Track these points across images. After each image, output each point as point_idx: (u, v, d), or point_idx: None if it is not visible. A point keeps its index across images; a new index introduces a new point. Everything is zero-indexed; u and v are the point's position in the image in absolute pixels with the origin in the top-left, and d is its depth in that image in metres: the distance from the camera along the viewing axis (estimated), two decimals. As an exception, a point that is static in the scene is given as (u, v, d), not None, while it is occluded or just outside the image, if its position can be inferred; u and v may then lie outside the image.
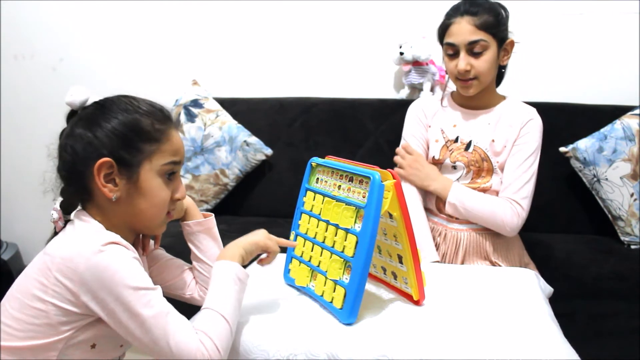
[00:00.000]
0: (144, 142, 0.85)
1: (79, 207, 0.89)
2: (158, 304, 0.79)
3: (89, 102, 0.88)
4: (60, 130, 0.89)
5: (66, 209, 0.89)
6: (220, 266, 0.88)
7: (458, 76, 1.42)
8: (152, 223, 0.91)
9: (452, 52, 1.41)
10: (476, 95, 1.45)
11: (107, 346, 0.86)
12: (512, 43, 1.43)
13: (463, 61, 1.38)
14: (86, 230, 0.84)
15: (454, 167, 1.48)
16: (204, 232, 1.03)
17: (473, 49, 1.37)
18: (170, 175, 0.89)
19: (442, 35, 1.44)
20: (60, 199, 0.89)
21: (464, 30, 1.37)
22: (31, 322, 0.80)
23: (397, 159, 1.53)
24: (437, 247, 1.49)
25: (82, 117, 0.86)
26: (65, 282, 0.78)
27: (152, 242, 1.02)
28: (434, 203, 1.52)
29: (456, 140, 1.49)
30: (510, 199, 1.40)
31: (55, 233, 0.89)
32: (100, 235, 0.81)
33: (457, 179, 1.48)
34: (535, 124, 1.44)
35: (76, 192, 0.88)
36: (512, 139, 1.44)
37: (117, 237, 0.82)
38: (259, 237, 0.94)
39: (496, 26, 1.37)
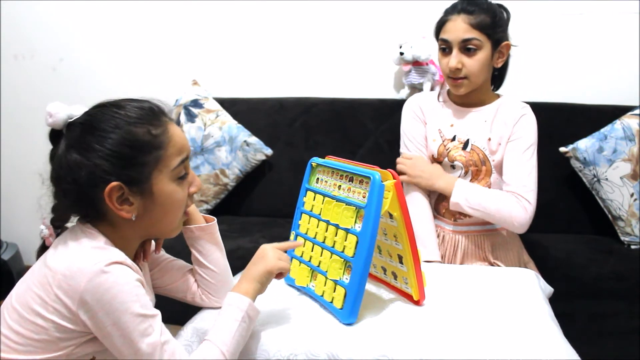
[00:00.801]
0: (146, 154, 0.81)
1: (78, 218, 0.86)
2: (155, 332, 0.77)
3: (72, 118, 0.82)
4: (50, 151, 0.84)
5: (57, 225, 0.86)
6: (233, 299, 0.86)
7: (449, 74, 1.42)
8: (170, 227, 0.89)
9: (445, 47, 1.41)
10: (470, 93, 1.44)
11: (105, 358, 0.85)
12: (508, 46, 1.42)
13: (455, 59, 1.38)
14: (90, 245, 0.80)
15: (453, 167, 1.48)
16: (206, 237, 1.00)
17: (466, 47, 1.37)
18: (183, 176, 0.86)
19: (438, 31, 1.44)
20: (50, 214, 0.86)
21: (459, 27, 1.37)
22: (31, 337, 0.78)
23: (399, 167, 1.52)
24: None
25: (71, 143, 0.80)
26: (65, 300, 0.76)
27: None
28: (433, 205, 1.52)
29: (453, 139, 1.48)
30: (515, 193, 1.37)
31: (44, 246, 0.86)
32: (104, 253, 0.78)
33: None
34: (528, 120, 1.42)
35: (88, 215, 0.84)
36: (506, 136, 1.43)
37: (122, 256, 0.79)
38: (270, 262, 0.90)
39: (492, 27, 1.36)
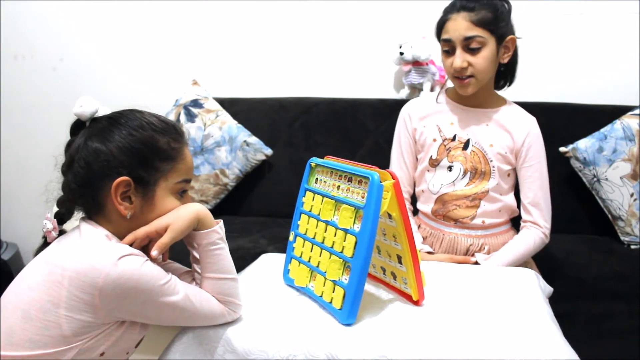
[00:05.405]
0: (161, 161, 0.87)
1: (83, 215, 0.88)
2: (180, 287, 0.84)
3: (98, 114, 0.87)
4: (67, 141, 0.88)
5: (61, 219, 0.88)
6: (205, 237, 0.89)
7: (454, 74, 1.38)
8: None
9: (448, 48, 1.38)
10: (473, 93, 1.41)
11: (115, 354, 0.86)
12: (513, 40, 1.39)
13: (459, 58, 1.35)
14: (96, 240, 0.83)
15: (450, 169, 1.45)
16: None
17: (469, 45, 1.34)
18: (182, 192, 0.91)
19: (439, 32, 1.41)
20: (55, 208, 0.88)
21: (460, 26, 1.34)
22: (41, 333, 0.78)
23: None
24: (434, 251, 1.48)
25: (95, 132, 0.85)
26: (82, 296, 0.77)
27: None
28: (430, 207, 1.49)
29: (454, 138, 1.46)
30: (535, 225, 1.42)
31: (46, 242, 0.87)
32: (112, 248, 0.81)
33: (453, 181, 1.46)
34: (538, 138, 1.43)
35: (85, 204, 0.87)
36: (514, 151, 1.42)
37: (128, 248, 0.82)
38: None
39: (494, 22, 1.33)
